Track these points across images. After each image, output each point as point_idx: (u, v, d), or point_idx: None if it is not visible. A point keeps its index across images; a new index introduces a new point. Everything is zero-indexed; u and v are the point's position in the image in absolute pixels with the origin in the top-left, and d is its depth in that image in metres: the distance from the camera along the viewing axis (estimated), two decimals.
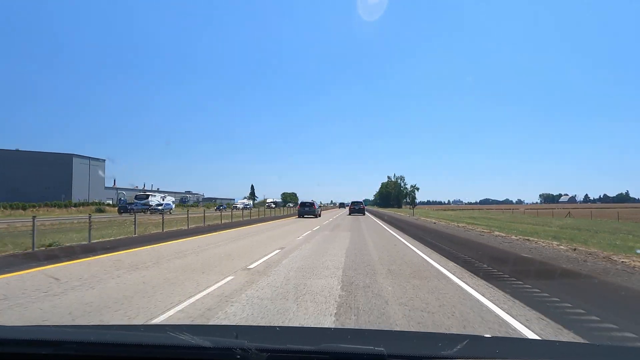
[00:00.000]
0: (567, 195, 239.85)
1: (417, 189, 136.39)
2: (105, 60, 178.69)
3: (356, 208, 41.53)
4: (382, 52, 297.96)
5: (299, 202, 42.05)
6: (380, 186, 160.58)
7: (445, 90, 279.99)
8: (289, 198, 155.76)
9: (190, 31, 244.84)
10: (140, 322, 3.98)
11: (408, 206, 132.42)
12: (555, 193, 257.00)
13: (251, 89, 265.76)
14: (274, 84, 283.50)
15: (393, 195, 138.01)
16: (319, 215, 35.87)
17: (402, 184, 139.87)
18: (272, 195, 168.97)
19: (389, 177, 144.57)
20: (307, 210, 34.46)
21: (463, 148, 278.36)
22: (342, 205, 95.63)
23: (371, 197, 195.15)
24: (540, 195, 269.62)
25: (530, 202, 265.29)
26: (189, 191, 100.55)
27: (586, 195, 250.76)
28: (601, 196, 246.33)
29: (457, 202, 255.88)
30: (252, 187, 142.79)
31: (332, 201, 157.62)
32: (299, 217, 34.05)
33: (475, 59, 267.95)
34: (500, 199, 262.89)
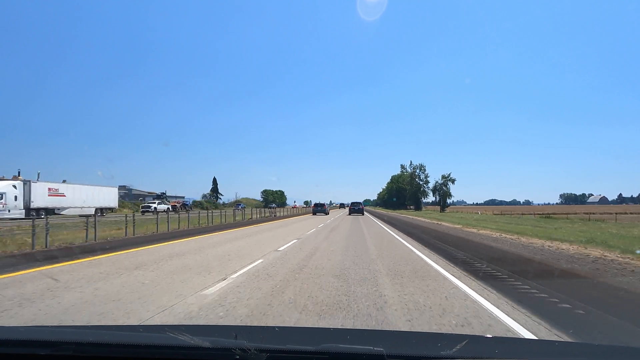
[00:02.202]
0: (592, 194, 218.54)
1: (453, 181, 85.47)
2: (105, 62, 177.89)
3: (355, 209, 44.70)
4: (382, 53, 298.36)
5: (314, 203, 54.14)
6: (389, 180, 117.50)
7: (447, 90, 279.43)
8: (271, 197, 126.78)
9: (188, 33, 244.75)
10: None
11: (432, 207, 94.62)
12: (577, 193, 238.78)
13: (250, 89, 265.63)
14: (273, 85, 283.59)
15: (409, 192, 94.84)
16: (328, 213, 45.20)
17: (423, 177, 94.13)
18: (248, 193, 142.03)
19: (402, 167, 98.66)
20: (320, 209, 45.67)
21: (465, 148, 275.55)
22: (342, 205, 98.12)
23: (374, 197, 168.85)
24: (560, 196, 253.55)
25: (541, 202, 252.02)
26: (124, 185, 73.08)
27: (620, 194, 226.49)
28: (634, 196, 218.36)
29: (461, 203, 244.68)
30: (215, 180, 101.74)
31: (330, 201, 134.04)
32: (313, 214, 43.58)
33: (476, 59, 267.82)
34: (507, 199, 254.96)
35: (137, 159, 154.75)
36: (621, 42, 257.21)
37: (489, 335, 3.37)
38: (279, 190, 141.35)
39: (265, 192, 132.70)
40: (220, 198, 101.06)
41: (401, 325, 3.87)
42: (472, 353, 1.56)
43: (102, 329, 2.54)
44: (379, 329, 3.71)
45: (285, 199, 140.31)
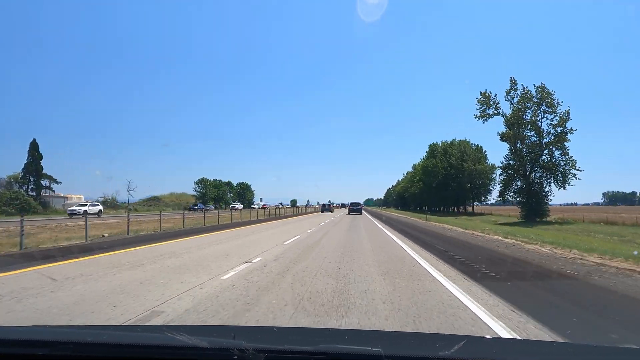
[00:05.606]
0: None
1: None
2: (89, 54, 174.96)
3: (354, 208, 47.70)
4: (382, 51, 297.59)
5: (321, 203, 68.67)
6: (425, 155, 66.43)
7: (447, 89, 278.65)
8: (214, 192, 75.89)
9: (185, 27, 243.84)
10: None
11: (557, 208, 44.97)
12: (626, 191, 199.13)
13: (248, 88, 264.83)
14: (273, 84, 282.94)
15: (518, 169, 39.85)
16: (332, 211, 58.20)
17: (552, 122, 37.41)
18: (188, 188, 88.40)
19: (483, 99, 40.67)
20: (326, 209, 58.52)
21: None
22: (342, 205, 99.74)
23: (379, 195, 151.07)
24: (604, 194, 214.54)
25: (567, 202, 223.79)
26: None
27: None
28: None
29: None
30: (33, 150, 47.59)
31: (329, 201, 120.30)
32: (322, 212, 54.92)
33: (475, 58, 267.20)
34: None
35: (136, 159, 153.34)
36: (622, 42, 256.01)
37: (487, 336, 3.37)
38: (243, 183, 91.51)
39: (203, 184, 74.38)
40: (52, 188, 50.12)
41: None
42: (471, 353, 1.56)
43: (100, 329, 2.54)
44: (378, 329, 3.71)
45: (253, 195, 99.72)
